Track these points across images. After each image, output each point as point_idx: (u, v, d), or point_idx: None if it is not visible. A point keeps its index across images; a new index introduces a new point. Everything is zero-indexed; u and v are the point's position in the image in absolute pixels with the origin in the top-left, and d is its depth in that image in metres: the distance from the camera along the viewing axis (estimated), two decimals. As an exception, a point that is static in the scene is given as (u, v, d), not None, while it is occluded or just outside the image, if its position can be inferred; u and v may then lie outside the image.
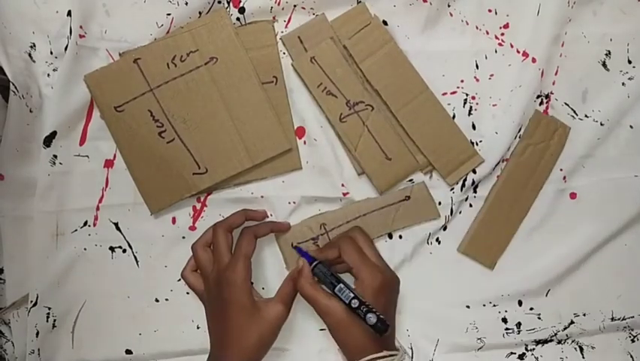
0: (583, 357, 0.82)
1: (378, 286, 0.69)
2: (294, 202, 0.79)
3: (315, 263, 0.72)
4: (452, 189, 0.80)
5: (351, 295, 0.67)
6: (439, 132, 0.79)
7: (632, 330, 0.82)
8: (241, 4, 0.77)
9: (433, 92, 0.78)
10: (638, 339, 0.82)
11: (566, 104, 0.81)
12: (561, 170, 0.81)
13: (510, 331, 0.81)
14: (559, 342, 0.81)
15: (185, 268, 0.76)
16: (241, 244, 0.72)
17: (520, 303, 0.81)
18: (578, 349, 0.82)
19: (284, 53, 0.79)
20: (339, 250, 0.71)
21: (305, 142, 0.80)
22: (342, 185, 0.79)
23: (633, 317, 0.82)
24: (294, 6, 0.78)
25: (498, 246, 0.80)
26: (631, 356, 0.82)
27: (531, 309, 0.81)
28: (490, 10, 0.80)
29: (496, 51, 0.80)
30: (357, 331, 0.68)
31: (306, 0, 0.78)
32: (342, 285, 0.69)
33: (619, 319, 0.81)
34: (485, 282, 0.81)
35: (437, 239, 0.81)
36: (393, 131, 0.79)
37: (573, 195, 0.81)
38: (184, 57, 0.77)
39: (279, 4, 0.77)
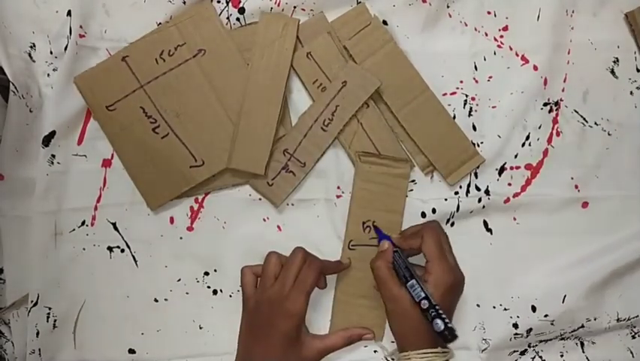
0: (583, 352, 0.82)
1: (449, 284, 0.71)
2: (292, 204, 0.80)
3: (394, 250, 0.74)
4: (457, 192, 0.80)
5: (422, 294, 0.69)
6: (440, 132, 0.79)
7: (634, 327, 0.82)
8: (241, 5, 0.78)
9: (433, 92, 0.79)
10: (638, 336, 0.82)
11: (575, 111, 0.81)
12: (572, 178, 0.81)
13: (519, 336, 0.80)
14: (561, 338, 0.81)
15: (249, 267, 0.76)
16: (307, 278, 0.72)
17: (534, 309, 0.80)
18: (578, 344, 0.82)
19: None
20: (421, 240, 0.73)
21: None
22: (338, 187, 0.80)
23: (638, 316, 0.81)
24: (294, 7, 0.79)
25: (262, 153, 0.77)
26: (631, 353, 0.82)
27: (545, 316, 0.80)
28: (489, 12, 0.81)
29: (495, 53, 0.81)
30: (418, 325, 0.70)
31: (306, 1, 0.79)
32: (414, 281, 0.70)
33: (624, 320, 0.81)
34: (496, 284, 0.80)
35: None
36: (387, 128, 0.80)
37: (585, 205, 0.81)
38: (172, 51, 0.78)
39: (278, 4, 0.79)
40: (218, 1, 0.78)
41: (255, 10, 0.79)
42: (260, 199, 0.80)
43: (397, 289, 0.71)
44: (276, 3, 0.79)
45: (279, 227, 0.81)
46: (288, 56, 0.78)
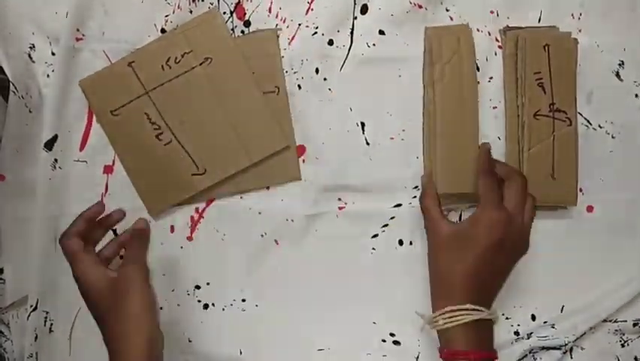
0: (571, 357, 0.84)
1: (495, 220, 0.70)
2: (292, 220, 0.82)
3: None
4: None
5: None
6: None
7: (624, 334, 0.84)
8: (246, 18, 0.80)
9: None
10: (628, 344, 0.84)
11: (579, 113, 0.82)
12: (576, 181, 0.81)
13: (520, 338, 0.82)
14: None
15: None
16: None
17: (533, 318, 0.83)
18: (567, 350, 0.83)
19: (291, 69, 0.82)
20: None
21: (304, 160, 0.82)
22: (339, 199, 0.82)
23: (626, 321, 0.83)
24: (299, 25, 0.81)
25: (469, 170, 0.78)
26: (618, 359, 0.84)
27: (545, 322, 0.82)
28: (492, 12, 0.82)
29: (495, 54, 0.82)
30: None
31: (310, 18, 0.81)
32: None
33: (611, 321, 0.83)
34: (499, 294, 0.80)
35: None
36: (574, 154, 0.78)
37: (590, 209, 0.83)
38: (178, 58, 0.80)
39: (284, 21, 0.81)
40: (224, 13, 0.80)
41: (260, 26, 0.81)
42: (259, 213, 0.82)
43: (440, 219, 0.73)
44: (282, 20, 0.80)
45: (276, 241, 0.83)
46: (471, 66, 0.79)
